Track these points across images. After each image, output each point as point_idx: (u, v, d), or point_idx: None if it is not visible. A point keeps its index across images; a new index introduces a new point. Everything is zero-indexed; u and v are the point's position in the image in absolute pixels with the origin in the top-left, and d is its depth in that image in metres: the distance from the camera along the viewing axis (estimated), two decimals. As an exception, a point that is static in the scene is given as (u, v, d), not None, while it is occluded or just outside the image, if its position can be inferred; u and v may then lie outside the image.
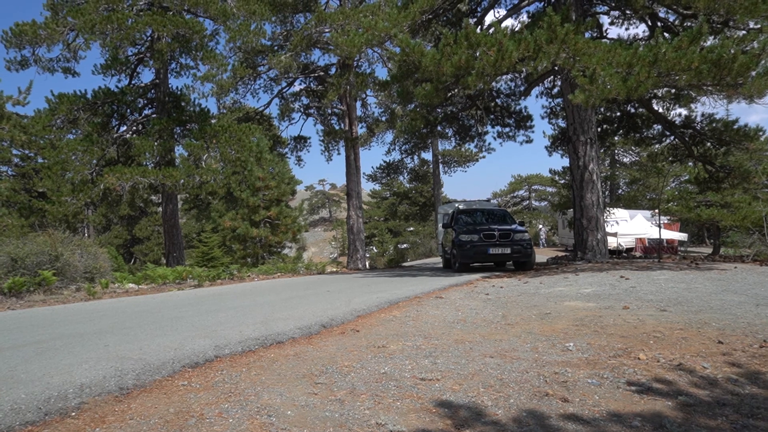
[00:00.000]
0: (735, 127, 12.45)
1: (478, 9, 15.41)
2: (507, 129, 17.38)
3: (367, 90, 22.17)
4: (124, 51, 16.26)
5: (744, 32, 10.27)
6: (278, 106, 22.52)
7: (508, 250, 11.61)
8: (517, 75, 15.27)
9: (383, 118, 24.74)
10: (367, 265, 22.63)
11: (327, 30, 18.80)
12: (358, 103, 23.86)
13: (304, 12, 21.24)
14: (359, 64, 22.24)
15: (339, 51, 13.51)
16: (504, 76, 15.30)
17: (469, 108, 16.74)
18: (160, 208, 19.00)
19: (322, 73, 22.51)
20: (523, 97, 16.34)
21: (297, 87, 23.56)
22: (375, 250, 39.77)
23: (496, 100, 16.78)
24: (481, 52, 9.40)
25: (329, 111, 23.95)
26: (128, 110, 17.15)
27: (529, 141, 17.58)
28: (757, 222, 15.03)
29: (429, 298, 7.29)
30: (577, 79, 8.67)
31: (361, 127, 24.79)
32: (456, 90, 11.27)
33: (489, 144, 20.99)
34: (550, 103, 17.78)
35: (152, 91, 17.89)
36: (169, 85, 18.00)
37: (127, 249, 34.12)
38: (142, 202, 22.06)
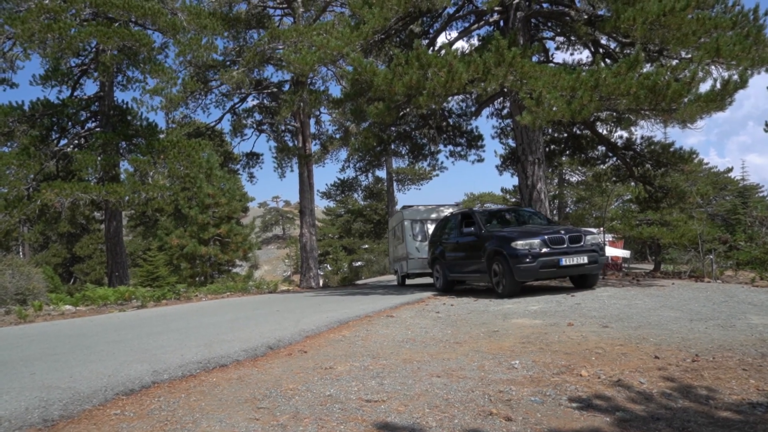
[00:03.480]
0: (672, 149, 13.12)
1: (430, 31, 15.72)
2: (459, 148, 17.67)
3: (321, 107, 22.20)
4: (67, 62, 15.67)
5: (677, 61, 10.90)
6: (230, 121, 22.24)
7: (584, 259, 8.31)
8: (468, 96, 15.61)
9: (337, 136, 24.77)
10: (321, 284, 22.40)
11: (280, 47, 18.74)
12: (312, 120, 23.82)
13: (257, 28, 21.13)
14: (313, 81, 22.24)
15: (292, 68, 13.49)
16: (455, 97, 15.61)
17: (422, 127, 16.96)
18: (103, 226, 18.22)
19: (275, 90, 22.39)
20: (474, 118, 16.72)
21: (250, 103, 23.28)
22: (329, 268, 39.45)
23: (448, 119, 17.07)
24: (432, 73, 9.57)
25: (282, 128, 23.79)
26: (69, 123, 16.47)
27: (481, 160, 17.96)
28: (693, 240, 15.83)
29: (380, 317, 7.24)
30: (525, 101, 8.95)
31: (315, 144, 24.73)
32: (408, 109, 11.41)
33: (441, 162, 21.36)
34: (500, 123, 18.26)
35: (96, 103, 17.27)
36: (115, 98, 17.44)
37: (67, 268, 32.44)
38: (84, 219, 21.11)
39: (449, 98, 13.66)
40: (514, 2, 12.42)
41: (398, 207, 34.77)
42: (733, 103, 8.52)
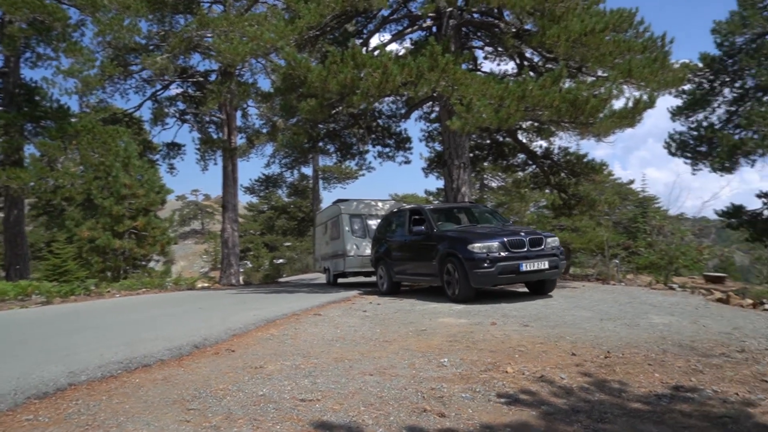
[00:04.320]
0: (585, 160, 14.02)
1: (364, 31, 15.78)
2: (387, 149, 17.86)
3: (249, 100, 21.60)
4: (-35, 32, 14.19)
5: (593, 78, 11.66)
6: (151, 109, 21.06)
7: (545, 264, 7.66)
8: (398, 98, 15.80)
9: (264, 130, 24.20)
10: (241, 281, 21.80)
11: (209, 35, 18.03)
12: (239, 113, 23.10)
13: (184, 13, 20.19)
14: (241, 73, 21.60)
15: (221, 58, 13.01)
16: (386, 99, 15.74)
17: (352, 126, 16.97)
18: (1, 214, 16.67)
19: (201, 79, 21.50)
20: (403, 120, 16.96)
21: (173, 91, 22.17)
22: (249, 265, 38.45)
23: (378, 120, 17.22)
24: (367, 73, 9.61)
25: (207, 119, 22.89)
26: (-34, 100, 14.93)
27: (408, 162, 18.25)
28: (600, 245, 17.01)
29: (307, 315, 7.18)
30: (455, 106, 9.21)
31: (240, 138, 23.99)
32: (340, 108, 11.37)
33: (369, 162, 21.44)
34: (427, 127, 18.65)
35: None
36: (22, 76, 16.00)
37: (-45, 259, 29.32)
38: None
39: (382, 99, 13.74)
40: (448, 10, 12.73)
41: (323, 205, 34.56)
42: (641, 120, 9.25)
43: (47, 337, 5.17)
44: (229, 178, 21.05)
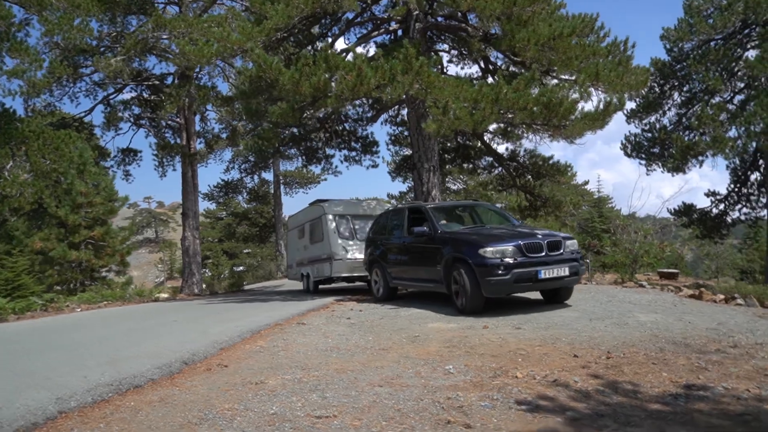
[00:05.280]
0: (551, 162, 14.30)
1: (329, 34, 15.62)
2: (353, 153, 17.73)
3: (208, 104, 21.01)
4: None
5: (555, 81, 11.90)
6: (103, 113, 20.14)
7: (565, 271, 6.78)
8: (366, 101, 15.69)
9: (224, 135, 23.62)
10: (204, 290, 21.11)
11: (165, 36, 17.44)
12: (197, 117, 22.44)
13: (137, 14, 19.42)
14: (199, 76, 20.99)
15: (185, 60, 12.56)
16: (353, 102, 15.60)
17: (318, 130, 16.74)
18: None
19: (157, 82, 20.74)
20: (370, 123, 16.85)
21: (126, 94, 21.33)
22: (208, 273, 37.41)
23: (344, 124, 17.06)
24: (340, 76, 9.47)
25: (164, 123, 22.13)
26: None
27: (375, 166, 18.16)
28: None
29: (290, 324, 6.95)
30: (431, 110, 9.19)
31: (199, 143, 23.31)
32: (310, 111, 11.17)
33: (336, 167, 21.10)
34: (394, 130, 18.62)
35: (-66, 82, 14.68)
36: (-40, 78, 14.95)
37: None
38: None
39: (353, 102, 13.58)
40: (415, 13, 12.73)
41: (285, 210, 33.98)
42: (610, 122, 9.48)
43: (16, 358, 4.76)
44: (189, 185, 20.39)
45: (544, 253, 6.77)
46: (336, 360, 4.69)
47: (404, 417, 3.11)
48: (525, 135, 12.64)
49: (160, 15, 17.26)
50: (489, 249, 6.66)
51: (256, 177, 32.39)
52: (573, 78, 10.79)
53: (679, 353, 4.40)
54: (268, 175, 33.33)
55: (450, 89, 9.46)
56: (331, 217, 11.79)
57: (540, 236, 7.03)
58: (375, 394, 3.57)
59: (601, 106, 9.15)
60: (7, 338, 6.20)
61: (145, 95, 21.42)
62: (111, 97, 20.59)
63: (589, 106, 9.09)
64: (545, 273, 6.63)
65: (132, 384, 3.76)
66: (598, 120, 9.09)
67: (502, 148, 16.70)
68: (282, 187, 32.83)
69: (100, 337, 6.02)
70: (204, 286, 20.85)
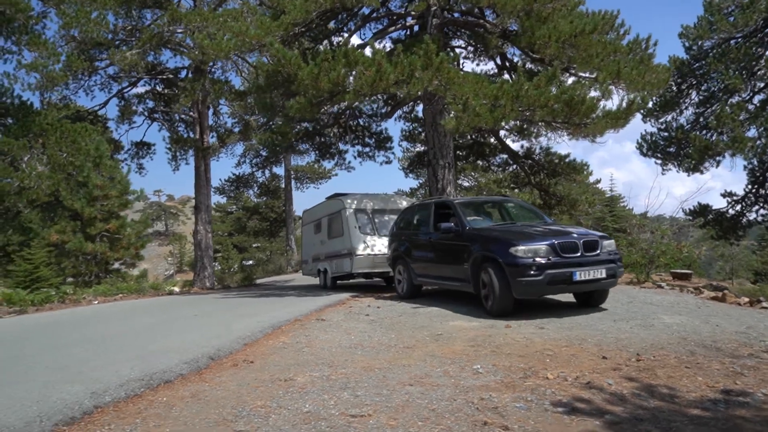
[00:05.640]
0: (567, 160, 14.18)
1: (344, 29, 15.56)
2: (367, 149, 17.69)
3: (221, 98, 21.06)
4: None
5: (573, 78, 11.76)
6: (118, 107, 20.24)
7: (601, 273, 6.38)
8: (380, 97, 15.63)
9: (236, 129, 23.68)
10: (215, 283, 21.18)
11: (180, 30, 17.47)
12: (210, 111, 22.49)
13: (152, 8, 19.49)
14: (212, 70, 21.02)
15: (202, 54, 12.56)
16: (368, 98, 15.54)
17: (332, 125, 16.72)
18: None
19: (171, 76, 20.80)
20: (385, 119, 16.79)
21: (141, 88, 21.38)
22: (218, 267, 37.60)
23: (359, 119, 17.02)
24: (359, 71, 9.40)
25: (177, 117, 22.20)
26: None
27: (389, 162, 18.08)
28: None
29: (310, 320, 6.94)
30: (451, 106, 9.12)
31: (211, 137, 23.38)
32: (328, 106, 11.14)
33: (349, 162, 20.99)
34: (408, 126, 18.55)
35: (-46, 74, 14.82)
36: (-21, 71, 15.07)
37: None
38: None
39: (373, 98, 13.49)
40: (432, 9, 12.64)
41: (296, 205, 34.00)
42: (632, 120, 9.36)
43: (43, 352, 4.77)
44: (202, 178, 20.42)
45: (579, 254, 6.38)
46: (361, 357, 4.66)
47: (440, 417, 3.07)
48: (544, 133, 12.52)
49: (175, 9, 17.27)
50: (521, 248, 6.29)
51: (267, 171, 32.44)
52: (593, 76, 10.67)
53: (712, 357, 4.32)
54: (279, 170, 33.39)
55: (470, 86, 9.39)
56: (351, 211, 11.48)
57: (575, 235, 6.63)
58: (407, 393, 3.53)
59: (624, 105, 9.03)
60: (31, 331, 6.23)
61: (159, 89, 21.50)
62: (125, 90, 20.69)
63: (609, 105, 8.95)
64: (581, 275, 6.24)
65: (162, 379, 3.75)
66: (620, 119, 8.98)
67: (516, 145, 16.65)
68: (293, 181, 32.82)
69: (123, 331, 6.04)
70: (215, 280, 20.94)
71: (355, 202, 11.85)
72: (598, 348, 4.75)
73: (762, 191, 20.70)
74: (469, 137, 16.31)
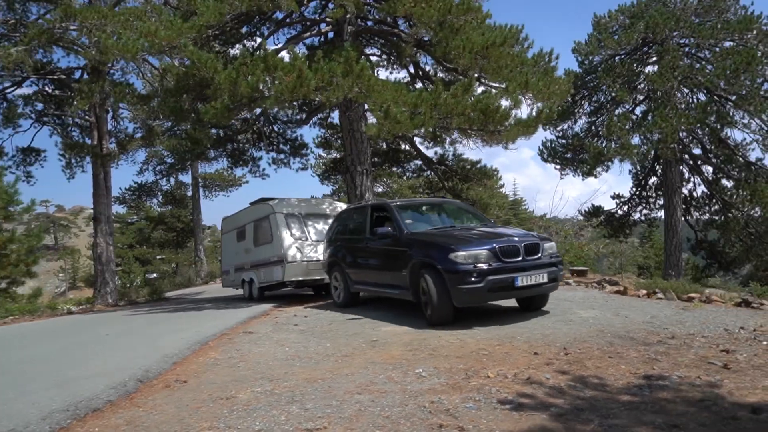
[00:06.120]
0: (478, 166, 14.83)
1: (257, 33, 15.23)
2: (282, 155, 17.38)
3: (122, 102, 19.73)
4: None
5: (483, 88, 12.35)
6: (0, 109, 18.28)
7: (543, 277, 6.18)
8: (296, 103, 15.43)
9: (138, 134, 22.30)
10: (118, 299, 19.74)
11: (74, 27, 16.19)
12: (109, 116, 20.99)
13: (40, 1, 17.90)
14: (111, 72, 19.63)
15: (103, 55, 11.69)
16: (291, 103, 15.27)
17: (245, 131, 16.26)
18: None
19: (63, 76, 19.17)
20: (300, 126, 16.59)
21: (27, 89, 19.49)
22: (119, 282, 35.09)
23: (273, 126, 16.69)
24: (278, 77, 9.23)
25: (71, 121, 20.50)
26: None
27: (305, 168, 17.91)
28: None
29: (237, 333, 6.68)
30: (373, 113, 9.20)
31: (110, 143, 21.81)
32: (244, 111, 10.82)
33: (263, 169, 20.24)
34: (323, 133, 18.45)
35: None
36: None
37: None
38: None
39: (293, 104, 13.24)
40: (347, 16, 12.71)
41: (204, 214, 32.45)
42: (540, 128, 9.99)
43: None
44: (101, 187, 18.95)
45: (521, 258, 6.11)
46: (301, 369, 4.56)
47: (395, 424, 3.08)
48: (459, 140, 13.00)
49: (69, 4, 15.98)
50: (461, 253, 5.96)
51: (172, 179, 30.84)
52: (503, 86, 11.26)
53: (628, 346, 4.72)
54: (186, 178, 31.82)
55: (389, 93, 9.52)
56: (281, 215, 10.79)
57: (516, 239, 6.36)
58: (357, 402, 3.51)
59: (534, 113, 9.63)
60: None
61: (49, 90, 19.73)
62: (8, 91, 18.74)
63: (518, 113, 9.51)
64: (523, 280, 6.00)
65: (89, 407, 3.42)
66: (531, 126, 9.56)
67: (430, 152, 17.12)
68: (201, 189, 31.42)
69: (31, 357, 5.45)
70: (118, 296, 19.52)
71: (285, 205, 11.21)
72: (528, 345, 5.00)
73: (644, 193, 22.98)
74: (383, 144, 16.54)
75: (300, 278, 10.52)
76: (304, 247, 10.53)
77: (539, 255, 6.31)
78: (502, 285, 5.95)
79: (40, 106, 19.40)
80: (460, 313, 6.84)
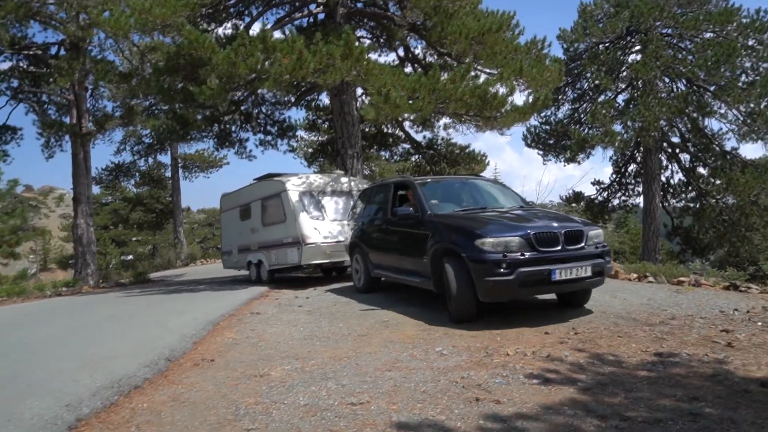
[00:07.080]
0: (468, 151, 14.99)
1: (245, 13, 15.00)
2: (269, 137, 17.25)
3: (103, 80, 19.23)
4: None
5: (473, 73, 12.47)
6: (-27, 85, 17.67)
7: (586, 271, 5.24)
8: (290, 84, 15.28)
9: (117, 113, 21.81)
10: (100, 281, 19.47)
11: (52, 2, 15.70)
12: (87, 94, 20.46)
13: (16, -27, 17.22)
14: (89, 49, 19.09)
15: (84, 31, 11.42)
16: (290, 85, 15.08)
17: (233, 113, 16.07)
18: None
19: (39, 52, 18.57)
20: (291, 107, 16.47)
21: (1, 64, 18.88)
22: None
23: (261, 107, 16.53)
24: (277, 58, 9.18)
25: (47, 99, 19.96)
26: None
27: (293, 150, 17.83)
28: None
29: (244, 315, 6.74)
30: (373, 97, 9.24)
31: (89, 122, 21.29)
32: (241, 92, 10.73)
33: (250, 151, 19.80)
34: (310, 115, 18.33)
35: None
36: None
37: None
38: None
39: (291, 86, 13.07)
40: (340, -2, 12.61)
41: (184, 195, 31.84)
42: (536, 114, 10.15)
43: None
44: (81, 167, 18.59)
45: (560, 247, 5.22)
46: (323, 348, 4.68)
47: (434, 398, 3.23)
48: (452, 125, 13.12)
49: (48, -23, 15.46)
50: (488, 240, 5.10)
51: (150, 159, 30.22)
52: (497, 72, 11.39)
53: (633, 326, 4.96)
54: (165, 158, 31.23)
55: (388, 77, 9.58)
56: (294, 193, 9.86)
57: (556, 224, 5.44)
58: (390, 378, 3.65)
59: (530, 100, 9.80)
60: None
61: (24, 66, 19.10)
62: (-18, 66, 18.11)
63: (513, 99, 9.66)
64: (561, 273, 5.09)
65: (131, 384, 3.49)
66: (527, 113, 9.74)
67: (419, 136, 17.19)
68: (180, 170, 30.92)
69: (47, 336, 5.44)
70: (100, 277, 19.25)
71: (298, 182, 10.22)
72: (535, 325, 5.21)
73: (624, 180, 23.54)
74: (373, 127, 16.55)
75: (318, 261, 9.87)
76: (322, 228, 9.77)
77: (582, 244, 5.39)
78: (537, 278, 5.07)
79: (15, 82, 18.81)
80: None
